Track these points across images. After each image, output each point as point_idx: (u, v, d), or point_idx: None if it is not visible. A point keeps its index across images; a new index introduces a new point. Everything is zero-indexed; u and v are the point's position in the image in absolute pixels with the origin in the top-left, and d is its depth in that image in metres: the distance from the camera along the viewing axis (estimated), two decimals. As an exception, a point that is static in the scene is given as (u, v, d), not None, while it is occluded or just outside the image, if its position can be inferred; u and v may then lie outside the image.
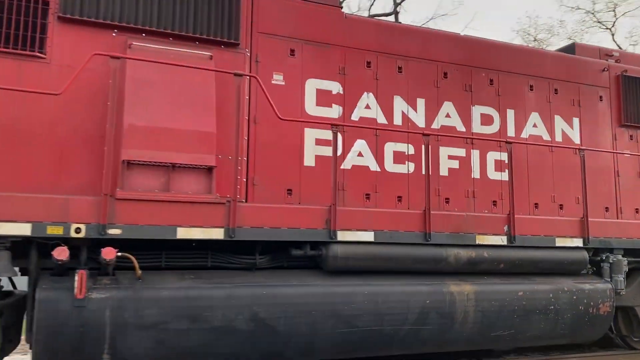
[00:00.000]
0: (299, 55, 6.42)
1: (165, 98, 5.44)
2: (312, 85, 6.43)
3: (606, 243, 7.25)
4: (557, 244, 6.86)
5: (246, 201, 5.89)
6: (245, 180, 5.95)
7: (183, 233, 5.17)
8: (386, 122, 6.73)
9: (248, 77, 6.06)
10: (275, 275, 5.70)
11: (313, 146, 6.31)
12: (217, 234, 5.29)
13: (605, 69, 8.19)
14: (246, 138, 6.03)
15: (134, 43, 5.57)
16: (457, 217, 6.45)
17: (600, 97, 8.11)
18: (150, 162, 5.19)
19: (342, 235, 5.79)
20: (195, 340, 5.11)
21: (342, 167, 6.41)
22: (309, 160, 6.26)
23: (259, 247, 5.72)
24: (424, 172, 6.67)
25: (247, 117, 6.04)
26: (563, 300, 6.72)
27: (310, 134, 6.29)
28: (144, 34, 5.72)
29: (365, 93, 6.69)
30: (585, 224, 7.07)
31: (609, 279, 7.19)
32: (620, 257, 7.28)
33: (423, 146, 6.61)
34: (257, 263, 5.69)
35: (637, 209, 8.02)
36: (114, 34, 5.63)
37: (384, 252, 5.98)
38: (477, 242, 6.41)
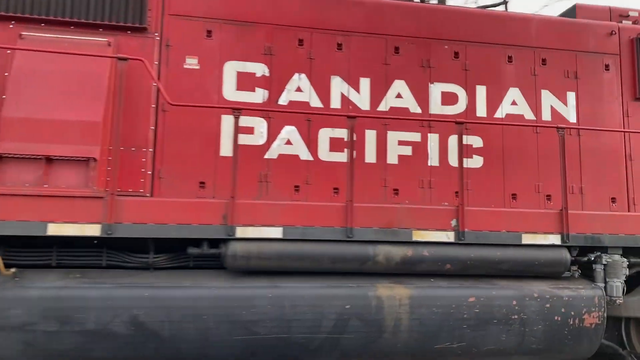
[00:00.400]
0: (217, 36, 5.90)
1: (53, 88, 5.19)
2: (231, 68, 5.89)
3: (595, 240, 5.97)
4: (523, 242, 5.76)
5: (151, 196, 5.51)
6: (150, 173, 5.56)
7: (54, 229, 4.87)
8: (322, 106, 6.03)
9: (157, 62, 5.70)
10: (170, 275, 5.24)
11: (231, 134, 5.77)
12: (93, 230, 4.94)
13: (614, 32, 6.83)
14: (153, 127, 5.63)
15: (24, 33, 5.38)
16: (389, 210, 5.60)
17: (607, 65, 6.76)
18: (24, 155, 4.96)
19: (242, 232, 5.21)
20: (67, 344, 4.79)
21: (266, 156, 5.83)
22: (226, 150, 5.73)
23: (152, 245, 5.29)
24: (367, 161, 5.96)
25: (154, 105, 5.65)
26: (531, 309, 5.61)
27: (229, 121, 5.75)
28: (43, 24, 5.52)
29: (297, 74, 6.03)
30: (564, 217, 5.88)
31: (603, 284, 5.94)
32: (617, 257, 5.99)
33: (371, 132, 5.93)
34: (149, 262, 5.26)
35: (654, 197, 6.61)
36: (10, 26, 5.48)
37: (295, 250, 5.31)
38: (413, 239, 5.52)
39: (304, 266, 5.35)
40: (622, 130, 6.58)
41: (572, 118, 6.59)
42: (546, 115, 6.52)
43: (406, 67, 6.28)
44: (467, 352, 5.60)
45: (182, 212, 5.18)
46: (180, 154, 5.64)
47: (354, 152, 5.70)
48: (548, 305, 5.64)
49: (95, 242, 5.29)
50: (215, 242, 5.28)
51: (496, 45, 6.52)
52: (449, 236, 5.59)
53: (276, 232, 5.26)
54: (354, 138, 5.74)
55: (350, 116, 5.62)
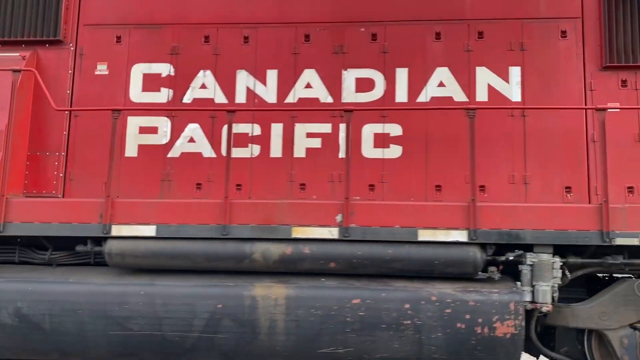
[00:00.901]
0: (126, 41, 6.12)
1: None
2: (138, 71, 6.07)
3: (513, 237, 5.10)
4: (419, 238, 5.13)
5: (63, 196, 5.88)
6: (62, 175, 5.93)
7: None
8: (226, 102, 5.95)
9: (71, 71, 6.08)
10: (65, 271, 5.54)
11: (136, 135, 5.94)
12: (-9, 229, 5.41)
13: (578, -16, 5.79)
14: (65, 132, 6.00)
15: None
16: (269, 206, 5.33)
17: (563, 32, 5.76)
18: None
19: (117, 230, 5.33)
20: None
21: (169, 155, 5.90)
22: (130, 151, 5.92)
23: (51, 243, 5.64)
24: (272, 155, 5.78)
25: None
26: (427, 314, 4.97)
27: (134, 122, 5.94)
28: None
29: (202, 71, 6.02)
30: (472, 211, 5.12)
31: (529, 288, 5.08)
32: (545, 256, 5.07)
33: (278, 125, 5.77)
34: (47, 259, 5.62)
35: (629, 187, 5.48)
36: None
37: (169, 248, 5.30)
38: (293, 236, 5.21)
39: (180, 264, 5.32)
40: (574, 107, 5.56)
41: (516, 96, 5.72)
42: (482, 95, 5.74)
43: (317, 55, 5.95)
44: (358, 358, 5.14)
45: (65, 211, 5.45)
46: (89, 156, 5.94)
47: (228, 146, 5.53)
48: (448, 311, 4.96)
49: (19, 240, 5.79)
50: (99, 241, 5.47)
51: (421, 22, 5.91)
52: (332, 232, 5.18)
53: (150, 230, 5.30)
54: (255, 133, 5.59)
55: (229, 111, 5.45)
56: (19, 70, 5.65)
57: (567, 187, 5.52)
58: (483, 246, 5.14)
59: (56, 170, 5.91)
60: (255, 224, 5.27)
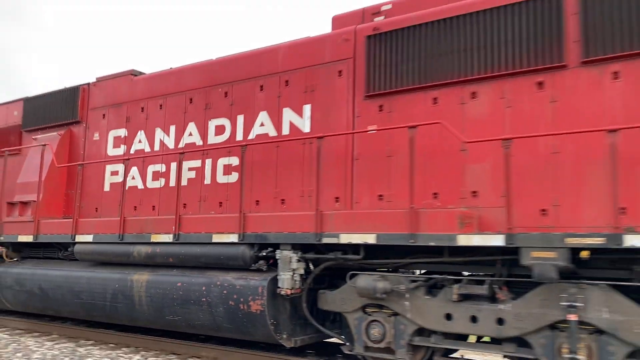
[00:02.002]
0: (107, 116, 9.55)
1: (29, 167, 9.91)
2: (112, 135, 9.42)
3: (263, 238, 6.79)
4: (213, 240, 7.20)
5: (79, 217, 9.56)
6: (78, 205, 9.61)
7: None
8: (150, 150, 8.87)
9: (84, 139, 9.79)
10: (59, 264, 9.17)
11: (109, 177, 9.28)
12: (28, 238, 9.35)
13: (348, 39, 7.08)
14: (80, 178, 9.68)
15: (34, 137, 10.34)
16: (141, 221, 8.04)
17: (340, 71, 7.11)
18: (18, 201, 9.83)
19: (78, 238, 8.70)
20: (22, 296, 9.34)
21: (125, 188, 9.08)
22: (106, 187, 9.29)
23: (58, 245, 9.33)
24: (171, 185, 8.52)
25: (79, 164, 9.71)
26: (214, 294, 7.04)
27: (108, 169, 9.31)
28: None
29: (139, 132, 9.06)
30: (241, 220, 6.97)
31: (276, 275, 6.70)
32: (286, 252, 6.63)
33: (174, 164, 8.52)
34: (60, 256, 9.32)
35: (380, 195, 6.58)
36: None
37: (97, 249, 8.45)
38: (152, 240, 7.81)
39: (102, 259, 8.42)
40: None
41: (307, 128, 7.29)
42: (286, 130, 7.47)
43: (196, 112, 8.43)
44: (186, 324, 7.50)
45: (57, 228, 9.06)
46: (88, 192, 9.49)
47: (123, 180, 8.39)
48: (225, 292, 6.96)
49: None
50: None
51: (252, 79, 7.90)
52: (170, 238, 7.64)
53: (89, 238, 8.54)
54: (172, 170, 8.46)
55: (126, 158, 8.38)
56: (44, 145, 9.53)
57: (336, 198, 6.89)
58: (252, 245, 6.97)
59: (75, 202, 9.60)
60: (135, 233, 8.06)
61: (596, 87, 5.45)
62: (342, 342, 6.87)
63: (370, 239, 6.06)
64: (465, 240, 5.48)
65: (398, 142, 6.43)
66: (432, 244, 5.68)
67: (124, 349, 8.21)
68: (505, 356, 5.96)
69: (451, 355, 6.60)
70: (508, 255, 5.50)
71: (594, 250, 4.99)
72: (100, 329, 9.10)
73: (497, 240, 5.34)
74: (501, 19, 5.98)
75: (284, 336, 6.83)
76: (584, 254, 4.91)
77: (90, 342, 8.74)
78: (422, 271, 6.55)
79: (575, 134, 5.29)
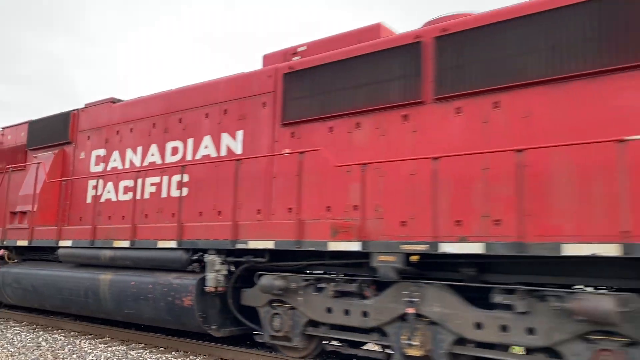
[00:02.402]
0: (92, 139, 11.09)
1: (28, 182, 11.55)
2: (94, 154, 10.95)
3: (194, 244, 8.10)
4: (158, 246, 8.55)
5: (67, 225, 11.10)
6: (67, 214, 11.16)
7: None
8: (122, 167, 10.33)
9: (73, 158, 11.36)
10: (48, 265, 10.69)
11: (91, 190, 10.79)
12: (24, 242, 10.95)
13: (270, 75, 8.35)
14: (69, 191, 11.24)
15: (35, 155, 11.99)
16: (108, 229, 9.47)
17: (264, 103, 8.38)
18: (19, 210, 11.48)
19: (61, 243, 10.22)
20: (20, 292, 10.93)
21: (101, 201, 10.57)
22: (88, 200, 10.80)
23: (50, 250, 10.88)
24: (137, 198, 9.95)
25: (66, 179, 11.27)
26: (158, 291, 8.38)
27: (90, 184, 10.82)
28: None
29: (115, 151, 10.55)
30: (179, 229, 8.31)
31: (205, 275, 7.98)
32: (212, 256, 7.91)
33: (140, 180, 9.95)
34: (50, 258, 10.87)
35: (289, 208, 7.80)
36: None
37: (74, 252, 9.93)
38: (114, 245, 9.24)
39: (79, 261, 9.90)
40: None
41: (239, 150, 8.58)
42: (224, 152, 8.78)
43: (157, 135, 9.84)
44: (138, 317, 8.88)
45: (46, 234, 10.60)
46: (74, 203, 11.03)
47: (95, 194, 9.85)
48: (165, 289, 8.30)
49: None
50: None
51: (200, 108, 9.25)
52: (128, 243, 9.04)
53: (69, 243, 10.05)
54: (133, 185, 9.90)
55: (101, 173, 9.86)
56: (38, 163, 11.13)
57: (258, 210, 8.15)
58: (187, 250, 8.29)
59: (60, 211, 11.14)
60: (103, 239, 9.50)
61: (444, 120, 6.55)
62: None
63: (270, 245, 7.30)
64: (334, 246, 6.66)
65: (304, 165, 7.63)
66: (312, 249, 6.88)
67: (173, 352, 8.51)
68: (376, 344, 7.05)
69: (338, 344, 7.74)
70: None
71: (434, 255, 6.08)
72: (150, 332, 9.44)
73: (355, 246, 6.49)
74: (378, 62, 7.14)
75: (213, 327, 8.10)
76: (414, 258, 6.01)
77: (141, 345, 9.05)
78: (341, 273, 7.71)
79: (424, 159, 6.39)
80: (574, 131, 5.59)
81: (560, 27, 5.81)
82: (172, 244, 8.43)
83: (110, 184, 10.40)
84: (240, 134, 8.61)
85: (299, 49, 8.44)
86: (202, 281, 7.97)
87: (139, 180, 9.81)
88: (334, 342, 7.54)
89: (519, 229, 5.56)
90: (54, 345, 8.96)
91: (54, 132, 11.79)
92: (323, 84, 7.68)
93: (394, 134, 6.94)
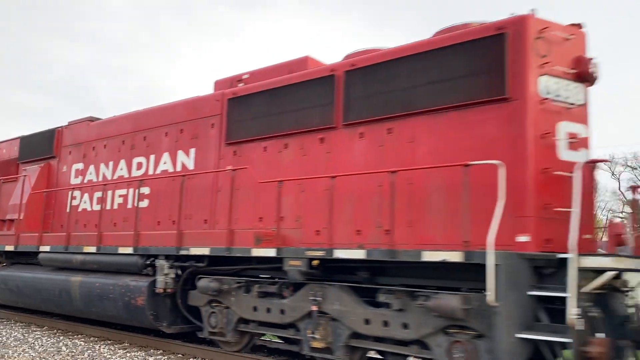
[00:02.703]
0: (72, 154, 12.22)
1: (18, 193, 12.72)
2: (74, 168, 12.07)
3: (147, 250, 9.13)
4: (119, 252, 9.60)
5: (50, 232, 12.22)
6: (52, 222, 12.28)
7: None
8: (96, 180, 11.43)
9: (56, 171, 12.51)
10: (31, 268, 11.80)
11: (71, 201, 11.89)
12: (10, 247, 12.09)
13: (218, 99, 9.38)
14: (53, 201, 12.36)
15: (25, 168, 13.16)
16: (80, 236, 10.55)
17: (213, 124, 9.41)
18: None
19: (41, 248, 11.33)
20: (7, 292, 12.07)
21: (79, 210, 11.67)
22: (68, 209, 11.90)
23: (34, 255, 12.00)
24: (107, 208, 11.04)
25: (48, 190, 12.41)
26: (117, 292, 9.42)
27: (69, 195, 11.92)
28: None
29: (90, 166, 11.66)
30: (136, 237, 9.35)
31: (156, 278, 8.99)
32: (161, 262, 8.92)
33: (109, 192, 11.04)
34: (34, 262, 12.00)
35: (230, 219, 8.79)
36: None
37: (52, 257, 11.03)
38: (84, 251, 10.31)
39: (55, 265, 11.00)
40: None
41: (192, 166, 9.62)
42: (179, 168, 9.82)
43: (125, 152, 10.93)
44: (104, 315, 9.94)
45: (29, 240, 11.73)
46: (59, 212, 12.15)
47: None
48: (123, 290, 9.34)
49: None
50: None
51: (161, 127, 10.31)
52: (95, 249, 10.10)
53: (47, 248, 11.16)
54: (104, 196, 11.01)
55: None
56: (25, 176, 12.30)
57: (205, 220, 9.17)
58: (142, 256, 9.32)
59: (51, 219, 12.27)
60: (75, 245, 10.59)
61: (351, 143, 7.52)
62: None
63: (207, 251, 8.30)
64: (255, 252, 7.64)
65: (241, 180, 8.64)
66: (238, 255, 7.87)
67: (191, 359, 8.63)
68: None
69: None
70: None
71: (332, 260, 7.02)
72: (169, 339, 9.45)
73: (272, 253, 7.46)
74: (301, 91, 8.13)
75: (164, 324, 9.10)
76: (315, 263, 6.97)
77: (160, 351, 9.17)
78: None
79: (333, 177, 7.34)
80: (448, 154, 6.51)
81: (438, 66, 6.76)
82: (130, 250, 9.47)
83: (86, 195, 11.51)
84: (192, 151, 9.65)
85: (243, 77, 9.47)
86: (154, 283, 8.99)
87: (109, 192, 10.92)
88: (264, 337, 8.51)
89: (401, 237, 6.52)
90: (74, 350, 9.18)
91: (41, 147, 12.96)
92: (259, 109, 8.68)
93: (313, 154, 7.92)
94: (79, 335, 10.68)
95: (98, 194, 11.15)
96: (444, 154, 6.56)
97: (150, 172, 10.30)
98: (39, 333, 10.89)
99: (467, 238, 5.71)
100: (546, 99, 6.20)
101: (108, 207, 10.89)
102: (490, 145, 6.24)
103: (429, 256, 5.95)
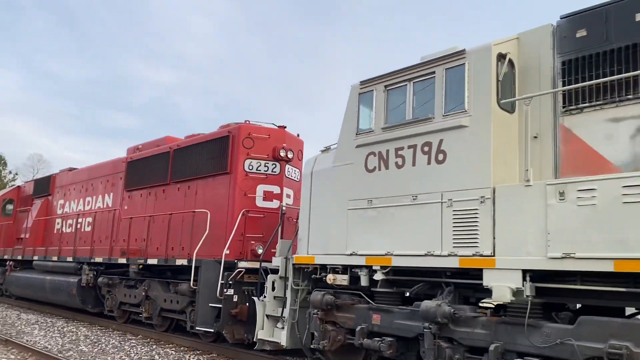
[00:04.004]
0: (59, 193, 17.81)
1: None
2: (59, 203, 17.64)
3: (78, 259, 14.36)
4: (67, 260, 14.91)
5: (44, 247, 17.87)
6: (46, 240, 17.93)
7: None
8: (69, 212, 16.90)
9: (56, 204, 18.22)
10: (32, 272, 17.45)
11: (56, 226, 17.44)
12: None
13: (124, 161, 14.51)
14: (49, 226, 18.00)
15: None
16: (53, 250, 16.00)
17: (120, 177, 14.55)
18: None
19: (35, 258, 16.92)
20: (19, 289, 17.80)
21: (62, 232, 17.19)
22: (55, 231, 17.48)
23: (33, 262, 17.68)
24: (68, 231, 16.49)
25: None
26: (64, 285, 14.72)
27: (56, 221, 17.50)
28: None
29: (67, 202, 17.16)
30: (74, 251, 14.63)
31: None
32: (85, 266, 14.11)
33: (69, 220, 16.52)
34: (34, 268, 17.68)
35: (123, 239, 13.86)
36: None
37: (39, 264, 16.58)
38: (52, 259, 15.73)
39: (44, 269, 16.55)
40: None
41: (111, 204, 14.80)
42: (106, 205, 15.04)
43: (83, 193, 16.31)
44: (60, 300, 15.30)
45: (30, 253, 17.38)
46: (50, 234, 17.77)
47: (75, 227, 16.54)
48: (66, 285, 14.62)
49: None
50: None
51: (99, 177, 15.60)
52: (57, 258, 15.51)
53: (37, 259, 16.74)
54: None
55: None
56: (29, 207, 18.05)
57: (113, 240, 14.33)
58: (77, 263, 14.58)
59: (46, 238, 17.91)
60: (48, 255, 16.07)
61: (175, 193, 12.37)
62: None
63: (101, 260, 13.40)
64: (121, 260, 12.63)
65: (124, 213, 13.67)
66: (114, 262, 12.91)
67: None
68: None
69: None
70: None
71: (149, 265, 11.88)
72: (253, 351, 9.35)
73: (123, 260, 12.43)
74: (155, 160, 13.09)
75: (89, 307, 14.31)
76: (140, 267, 11.86)
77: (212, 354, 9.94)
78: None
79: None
80: (209, 201, 11.21)
81: (206, 151, 11.52)
82: (70, 259, 14.79)
83: (62, 221, 17.03)
84: (112, 194, 14.85)
85: (139, 147, 14.57)
86: (81, 280, 14.20)
87: (70, 220, 16.36)
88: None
89: (174, 252, 11.31)
90: (166, 359, 9.59)
91: (43, 187, 18.70)
92: (138, 170, 13.72)
93: (161, 197, 12.82)
94: (170, 345, 11.06)
95: (69, 221, 16.63)
96: (209, 201, 11.27)
97: (94, 207, 15.61)
98: (134, 342, 11.37)
99: (190, 251, 10.44)
100: (249, 173, 10.80)
101: (68, 230, 16.36)
102: (222, 198, 10.91)
103: (180, 262, 10.73)
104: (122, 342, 11.03)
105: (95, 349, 10.22)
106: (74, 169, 17.89)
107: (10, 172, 54.77)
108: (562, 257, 5.29)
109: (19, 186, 21.55)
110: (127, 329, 12.58)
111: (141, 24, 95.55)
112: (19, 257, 18.02)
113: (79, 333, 12.18)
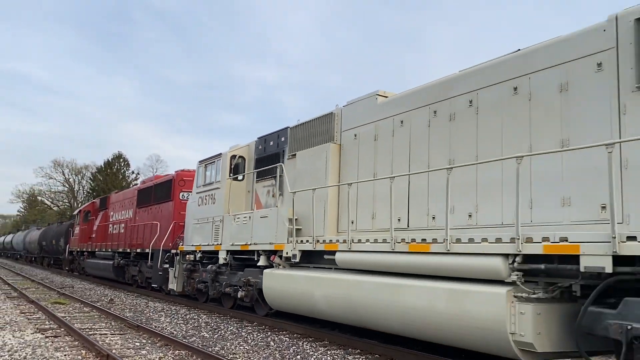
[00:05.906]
0: (111, 207, 27.55)
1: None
2: (112, 214, 27.38)
3: (113, 250, 23.81)
4: (108, 251, 24.46)
5: (96, 242, 27.69)
6: (107, 239, 27.75)
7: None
8: (115, 220, 26.55)
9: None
10: (96, 257, 27.34)
11: (110, 228, 27.15)
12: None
13: (136, 189, 23.69)
14: (107, 230, 27.82)
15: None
16: (103, 244, 25.70)
17: (132, 203, 23.78)
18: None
19: (96, 250, 26.78)
20: (91, 270, 27.87)
21: (113, 233, 26.91)
22: (109, 232, 27.23)
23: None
24: (115, 232, 26.16)
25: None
26: (107, 265, 24.25)
27: (109, 226, 27.26)
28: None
29: (114, 213, 26.81)
30: (110, 245, 24.14)
31: None
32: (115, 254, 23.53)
33: (117, 225, 26.20)
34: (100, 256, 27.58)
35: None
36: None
37: (98, 253, 26.38)
38: (102, 250, 25.41)
39: (101, 256, 26.38)
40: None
41: (131, 216, 24.14)
42: (127, 217, 24.42)
43: (120, 209, 25.85)
44: (105, 275, 24.96)
45: (92, 246, 27.30)
46: (108, 234, 27.61)
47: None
48: (108, 265, 24.17)
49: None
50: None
51: (124, 200, 25.01)
52: (104, 250, 25.15)
53: (97, 250, 26.58)
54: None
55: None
56: (93, 217, 28.02)
57: (127, 238, 23.68)
58: (113, 252, 24.09)
59: (105, 237, 27.76)
60: (102, 248, 25.82)
61: (141, 213, 21.38)
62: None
63: (122, 249, 22.72)
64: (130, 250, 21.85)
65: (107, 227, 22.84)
66: (129, 251, 22.17)
67: None
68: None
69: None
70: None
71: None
72: (365, 338, 9.62)
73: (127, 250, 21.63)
74: (147, 191, 22.14)
75: (120, 279, 23.78)
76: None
77: (357, 351, 9.23)
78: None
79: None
80: (158, 217, 20.00)
81: (160, 189, 20.37)
82: (110, 250, 24.32)
83: (112, 226, 26.70)
84: (131, 211, 24.12)
85: (145, 180, 23.69)
86: (114, 263, 23.61)
87: (114, 226, 25.93)
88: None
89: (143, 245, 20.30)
90: (281, 346, 9.65)
91: (103, 203, 28.58)
92: (142, 195, 22.77)
93: (143, 213, 21.81)
94: (284, 332, 11.23)
95: (115, 226, 26.26)
96: (159, 217, 20.06)
97: (124, 218, 25.02)
98: (250, 328, 11.70)
99: (148, 244, 19.33)
100: (182, 200, 19.45)
101: (115, 232, 25.94)
102: (168, 215, 19.65)
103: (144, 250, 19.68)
104: (240, 329, 11.66)
105: (216, 335, 10.89)
106: (120, 190, 27.52)
107: (132, 172, 58.18)
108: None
109: (93, 201, 31.84)
110: (242, 316, 13.28)
111: (242, 27, 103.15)
112: (89, 250, 28.03)
113: (200, 320, 13.11)
